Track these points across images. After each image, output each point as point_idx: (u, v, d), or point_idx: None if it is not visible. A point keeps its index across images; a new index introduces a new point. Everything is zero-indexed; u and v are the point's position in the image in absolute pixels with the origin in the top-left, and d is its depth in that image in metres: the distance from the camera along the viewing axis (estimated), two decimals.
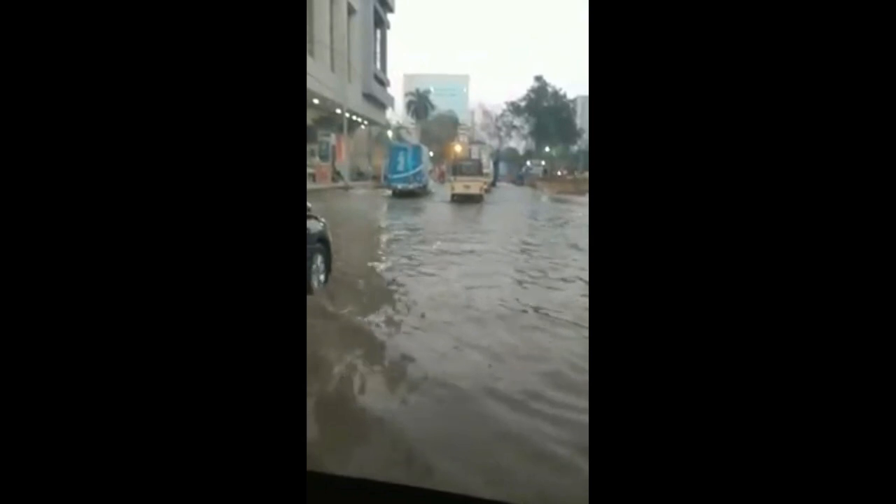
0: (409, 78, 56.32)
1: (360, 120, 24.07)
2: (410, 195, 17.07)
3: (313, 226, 4.05)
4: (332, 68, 19.49)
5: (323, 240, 4.18)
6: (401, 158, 18.17)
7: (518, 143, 47.96)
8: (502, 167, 43.20)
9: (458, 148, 40.36)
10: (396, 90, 39.44)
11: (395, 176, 17.90)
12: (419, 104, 44.32)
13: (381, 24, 26.40)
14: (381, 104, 26.96)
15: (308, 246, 3.87)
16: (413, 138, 38.64)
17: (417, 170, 18.14)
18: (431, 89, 46.66)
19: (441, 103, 47.92)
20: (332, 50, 19.41)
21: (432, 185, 20.67)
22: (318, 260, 4.13)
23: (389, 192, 18.11)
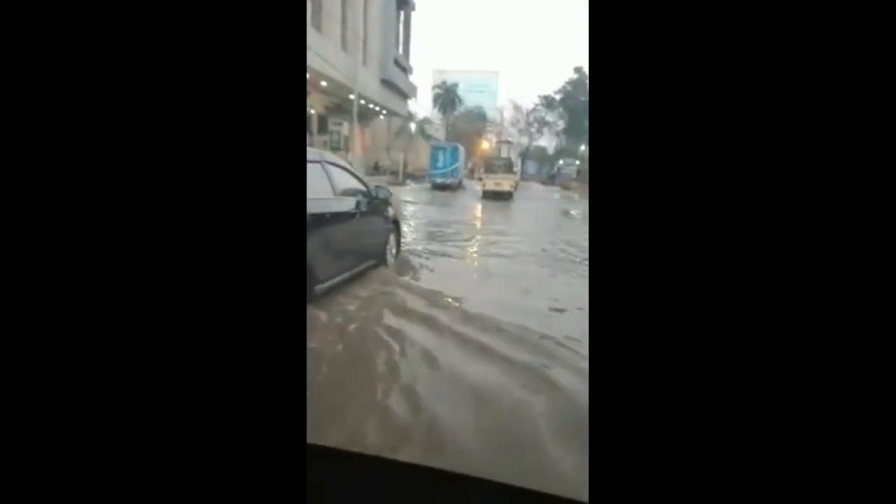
0: (438, 73, 54.35)
1: (377, 109, 21.77)
2: (447, 188, 20.20)
3: (389, 210, 4.91)
4: (344, 47, 17.17)
5: (395, 222, 5.13)
6: (440, 156, 21.23)
7: (549, 141, 45.26)
8: (530, 166, 40.70)
9: (484, 145, 38.36)
10: (424, 83, 37.53)
11: (435, 171, 21.07)
12: (446, 98, 42.01)
13: (404, 4, 24.00)
14: (402, 93, 24.56)
15: (386, 226, 4.80)
16: (438, 132, 36.76)
17: (455, 167, 21.18)
18: (459, 83, 44.33)
19: (470, 99, 45.68)
20: (343, 25, 17.08)
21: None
22: (392, 239, 4.98)
23: (406, 186, 20.23)
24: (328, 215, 3.57)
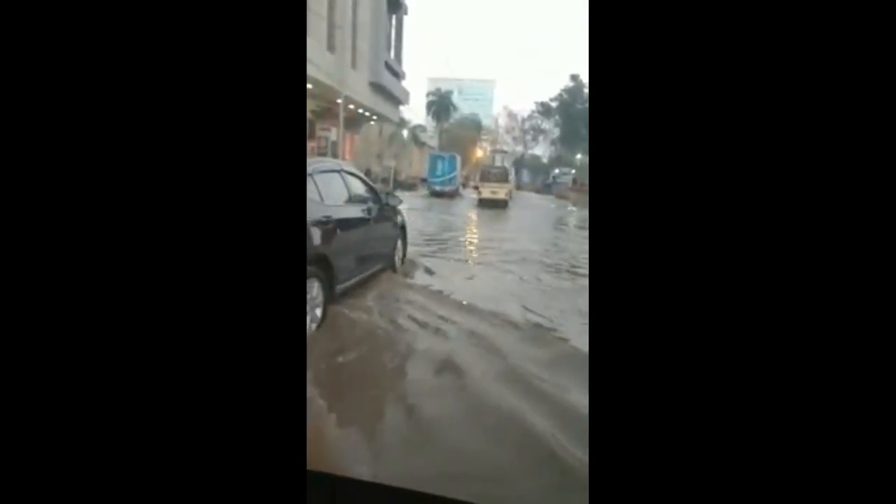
0: (432, 81, 53.95)
1: (367, 114, 20.92)
2: (444, 195, 21.12)
3: (398, 217, 5.29)
4: (331, 48, 16.34)
5: (403, 227, 5.43)
6: (439, 165, 22.53)
7: (544, 150, 44.69)
8: (525, 174, 40.12)
9: (479, 153, 37.80)
10: (418, 91, 37.02)
11: (434, 180, 22.33)
12: (440, 105, 41.35)
13: (397, 7, 23.28)
14: (393, 98, 23.75)
15: (394, 231, 5.13)
16: (432, 140, 36.11)
17: (452, 175, 22.50)
18: (454, 91, 43.74)
19: (466, 107, 45.17)
20: (330, 25, 16.26)
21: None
22: (399, 244, 5.31)
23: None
24: (347, 220, 3.83)
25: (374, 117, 22.14)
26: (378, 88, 21.00)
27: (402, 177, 25.39)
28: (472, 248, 8.21)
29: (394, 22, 23.77)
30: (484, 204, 17.44)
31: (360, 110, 19.71)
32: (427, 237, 8.61)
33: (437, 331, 3.42)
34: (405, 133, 27.97)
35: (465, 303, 4.10)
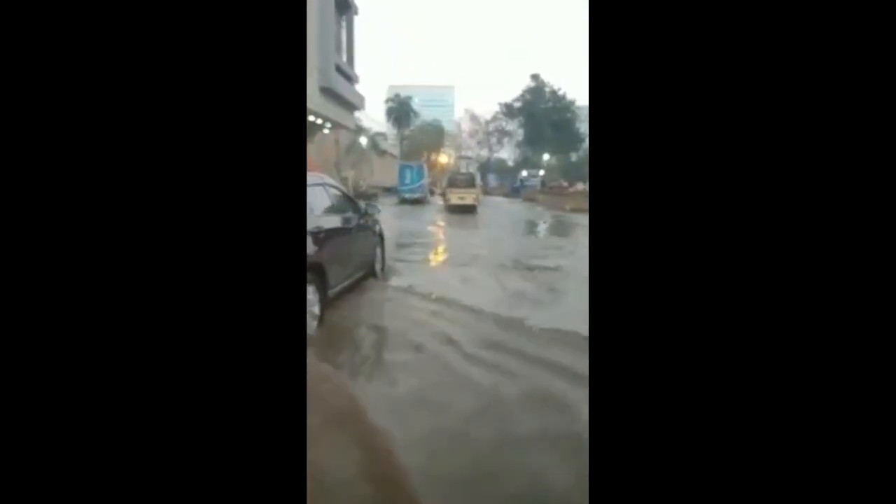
0: (392, 88, 52.76)
1: (319, 121, 19.37)
2: (414, 202, 22.80)
3: (376, 226, 5.93)
4: None
5: (381, 236, 6.06)
6: (407, 174, 24.41)
7: (510, 152, 43.89)
8: (492, 178, 39.21)
9: (443, 159, 36.77)
10: (377, 99, 35.72)
11: (404, 188, 24.05)
12: (400, 111, 40.04)
13: (346, 8, 21.84)
14: (348, 103, 22.26)
15: (374, 239, 5.74)
16: (393, 147, 34.86)
17: (421, 183, 24.37)
18: (415, 98, 42.54)
19: (426, 114, 44.00)
20: None
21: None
22: (378, 252, 5.89)
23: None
24: (335, 230, 4.41)
25: (328, 125, 20.59)
26: (330, 94, 19.47)
27: (364, 187, 23.97)
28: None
29: (344, 24, 22.29)
30: (453, 210, 17.89)
31: (312, 117, 18.16)
32: (403, 243, 8.91)
33: None
34: (364, 141, 26.51)
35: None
